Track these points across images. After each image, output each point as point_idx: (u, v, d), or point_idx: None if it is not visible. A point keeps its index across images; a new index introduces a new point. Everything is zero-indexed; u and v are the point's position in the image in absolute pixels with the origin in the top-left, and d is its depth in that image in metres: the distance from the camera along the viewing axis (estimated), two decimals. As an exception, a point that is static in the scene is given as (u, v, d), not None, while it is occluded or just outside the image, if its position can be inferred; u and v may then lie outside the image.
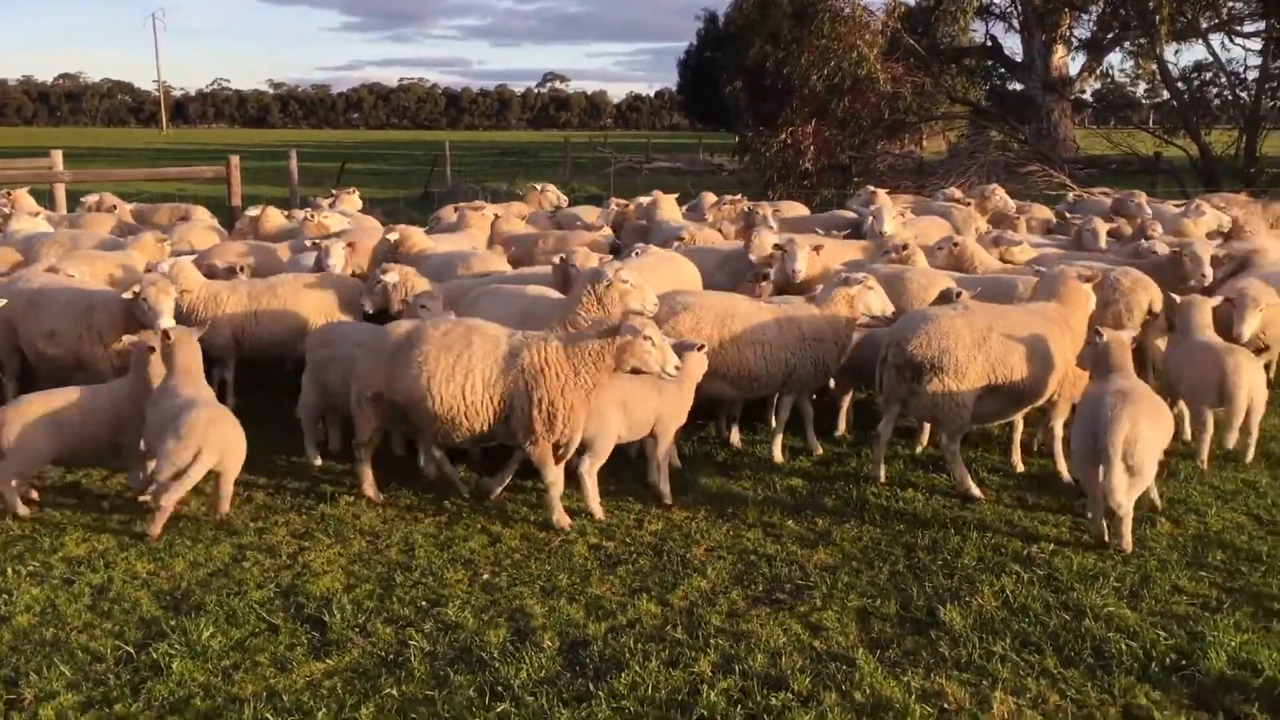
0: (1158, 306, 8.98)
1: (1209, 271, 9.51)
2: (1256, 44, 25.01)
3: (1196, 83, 27.81)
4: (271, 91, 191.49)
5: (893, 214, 12.20)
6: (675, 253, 10.53)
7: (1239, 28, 25.53)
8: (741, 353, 8.06)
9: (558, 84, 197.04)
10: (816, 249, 9.98)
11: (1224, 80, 26.17)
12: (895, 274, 9.52)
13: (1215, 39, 25.58)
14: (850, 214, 14.30)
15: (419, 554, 6.63)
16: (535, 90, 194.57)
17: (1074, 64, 41.12)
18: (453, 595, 6.05)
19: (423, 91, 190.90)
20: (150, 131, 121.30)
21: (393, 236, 10.42)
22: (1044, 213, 15.21)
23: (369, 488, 7.50)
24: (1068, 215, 14.58)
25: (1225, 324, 8.56)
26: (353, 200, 15.50)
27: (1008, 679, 5.21)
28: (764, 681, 5.14)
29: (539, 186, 15.50)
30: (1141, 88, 47.72)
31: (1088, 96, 46.99)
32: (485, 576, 6.33)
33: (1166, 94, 27.99)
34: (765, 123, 22.02)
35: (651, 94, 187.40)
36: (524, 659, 5.30)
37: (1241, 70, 26.29)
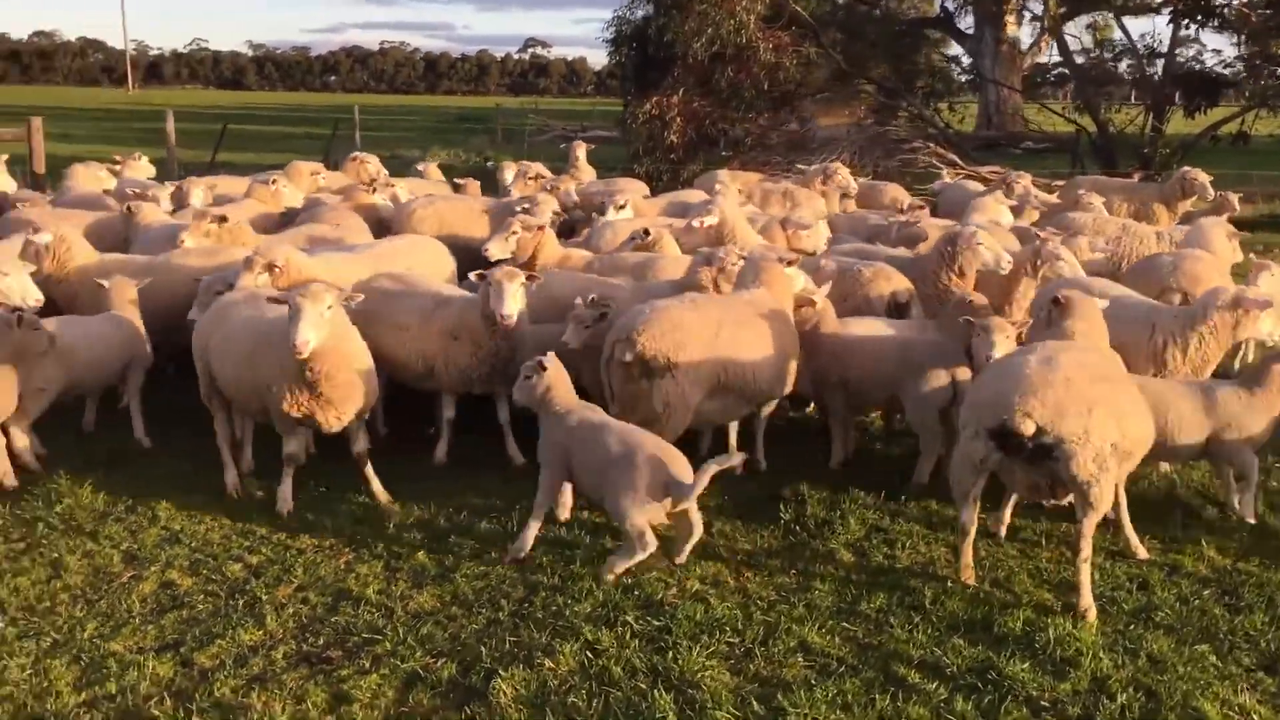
0: (902, 298, 8.18)
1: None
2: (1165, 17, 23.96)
3: (1103, 57, 26.75)
4: (249, 53, 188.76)
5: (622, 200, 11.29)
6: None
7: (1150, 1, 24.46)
8: (380, 338, 7.34)
9: (539, 50, 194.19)
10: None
11: (1134, 56, 25.18)
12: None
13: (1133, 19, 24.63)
14: (699, 194, 13.34)
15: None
16: (515, 56, 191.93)
17: (1026, 37, 40.08)
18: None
19: (401, 55, 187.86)
20: (114, 92, 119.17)
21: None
22: (896, 193, 14.29)
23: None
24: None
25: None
26: (139, 166, 14.34)
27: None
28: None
29: (357, 157, 14.48)
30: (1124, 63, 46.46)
31: (1065, 71, 45.85)
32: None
33: (1150, 68, 26.50)
34: (648, 92, 20.98)
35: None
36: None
37: (1154, 45, 25.26)
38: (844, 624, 5.57)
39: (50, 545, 6.30)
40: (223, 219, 9.09)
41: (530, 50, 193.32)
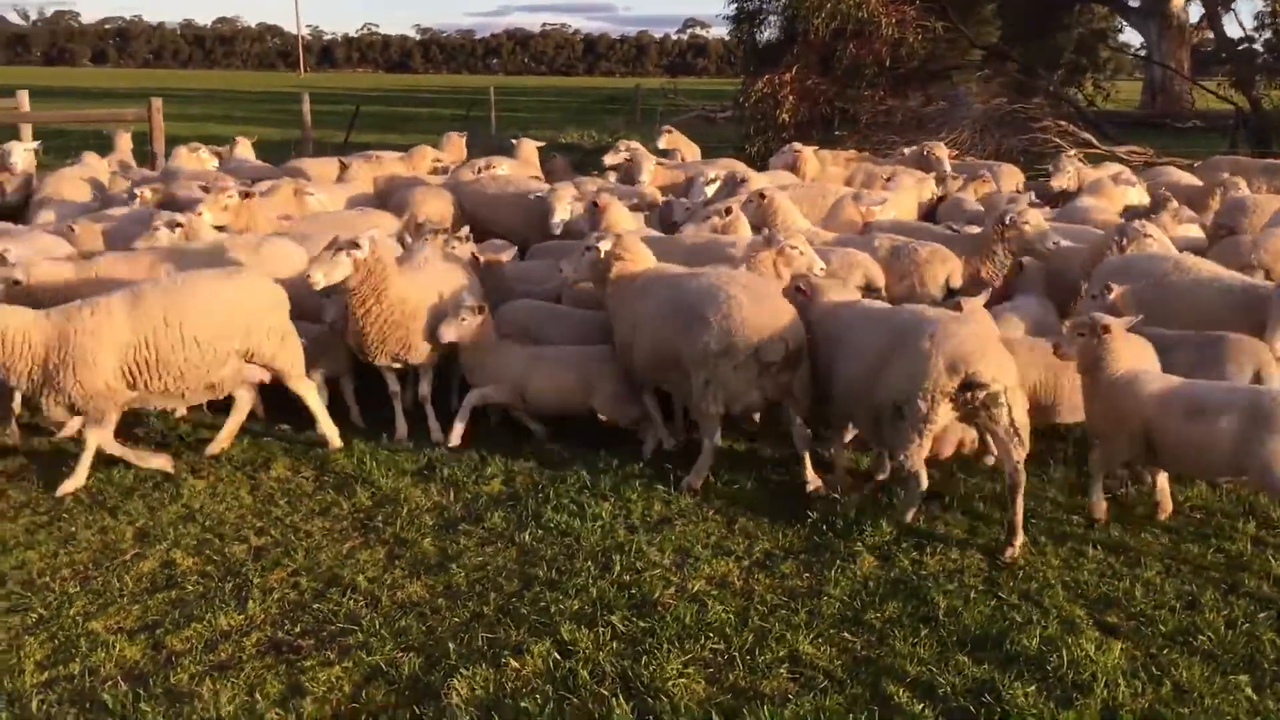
0: (955, 281, 7.86)
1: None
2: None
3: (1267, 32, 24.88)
4: (416, 37, 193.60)
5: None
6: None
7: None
8: None
9: (698, 30, 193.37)
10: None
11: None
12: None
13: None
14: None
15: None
16: (674, 36, 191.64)
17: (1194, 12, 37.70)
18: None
19: (561, 38, 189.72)
20: (287, 75, 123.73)
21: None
22: (1014, 175, 13.60)
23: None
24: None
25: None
26: (248, 146, 14.56)
27: None
28: None
29: (451, 136, 14.48)
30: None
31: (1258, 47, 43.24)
32: None
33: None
34: (767, 70, 20.39)
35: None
36: None
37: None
38: (844, 634, 5.19)
39: (70, 520, 6.38)
40: (247, 195, 8.78)
41: (689, 30, 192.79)
